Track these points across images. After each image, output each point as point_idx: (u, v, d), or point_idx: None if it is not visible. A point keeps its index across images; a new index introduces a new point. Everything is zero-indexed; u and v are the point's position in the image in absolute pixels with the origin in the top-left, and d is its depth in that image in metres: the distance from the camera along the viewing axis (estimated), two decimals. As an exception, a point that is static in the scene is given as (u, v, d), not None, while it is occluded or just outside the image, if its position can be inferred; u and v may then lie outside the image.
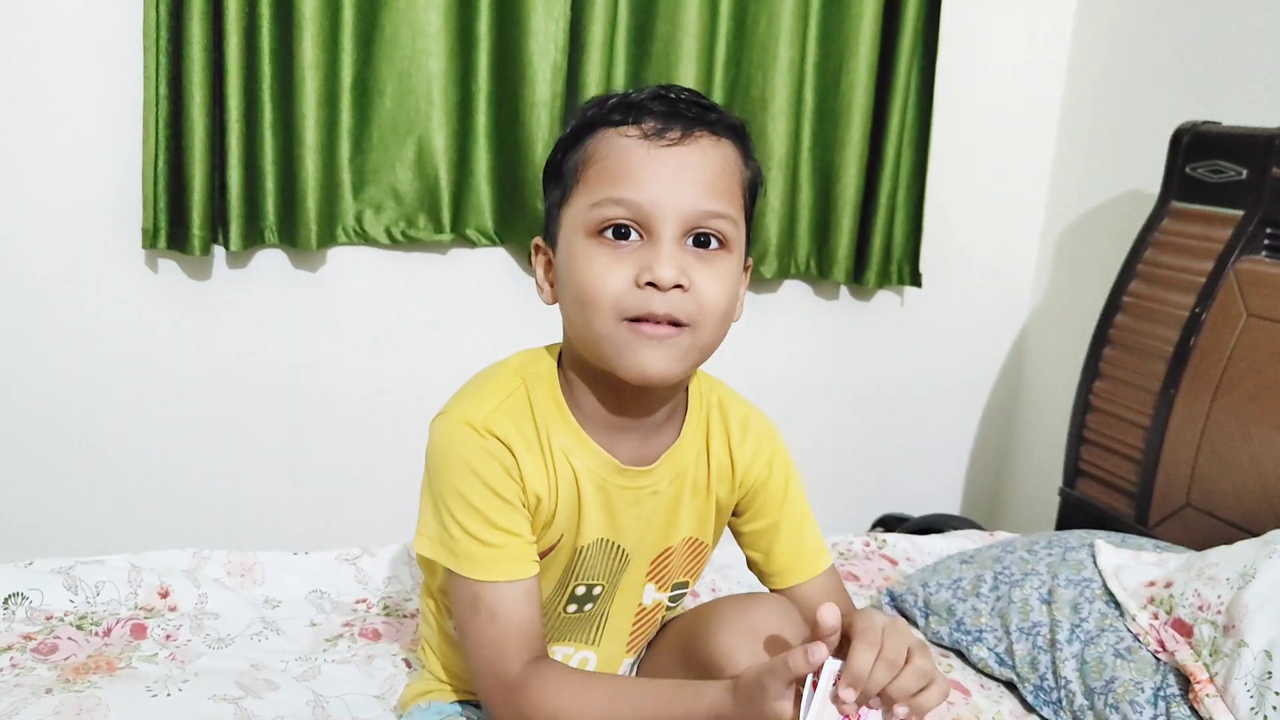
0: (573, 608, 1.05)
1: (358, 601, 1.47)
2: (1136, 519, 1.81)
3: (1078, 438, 1.97)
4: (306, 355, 2.05)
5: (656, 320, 0.88)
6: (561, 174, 0.95)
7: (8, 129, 1.80)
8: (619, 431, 1.00)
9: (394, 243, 2.02)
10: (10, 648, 1.26)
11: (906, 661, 0.80)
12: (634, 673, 1.13)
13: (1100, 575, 1.42)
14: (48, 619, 1.33)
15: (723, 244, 0.92)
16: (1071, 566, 1.45)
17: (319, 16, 1.86)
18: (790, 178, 2.19)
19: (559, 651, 1.09)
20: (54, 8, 1.79)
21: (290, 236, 1.94)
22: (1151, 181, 1.95)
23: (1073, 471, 1.98)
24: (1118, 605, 1.37)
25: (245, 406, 2.02)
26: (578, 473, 0.98)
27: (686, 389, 1.05)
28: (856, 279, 2.29)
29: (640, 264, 0.88)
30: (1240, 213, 1.73)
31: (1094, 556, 1.46)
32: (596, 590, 1.05)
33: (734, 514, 1.11)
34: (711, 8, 2.07)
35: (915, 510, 2.41)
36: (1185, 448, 1.73)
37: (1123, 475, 1.85)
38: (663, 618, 1.13)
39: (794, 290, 2.32)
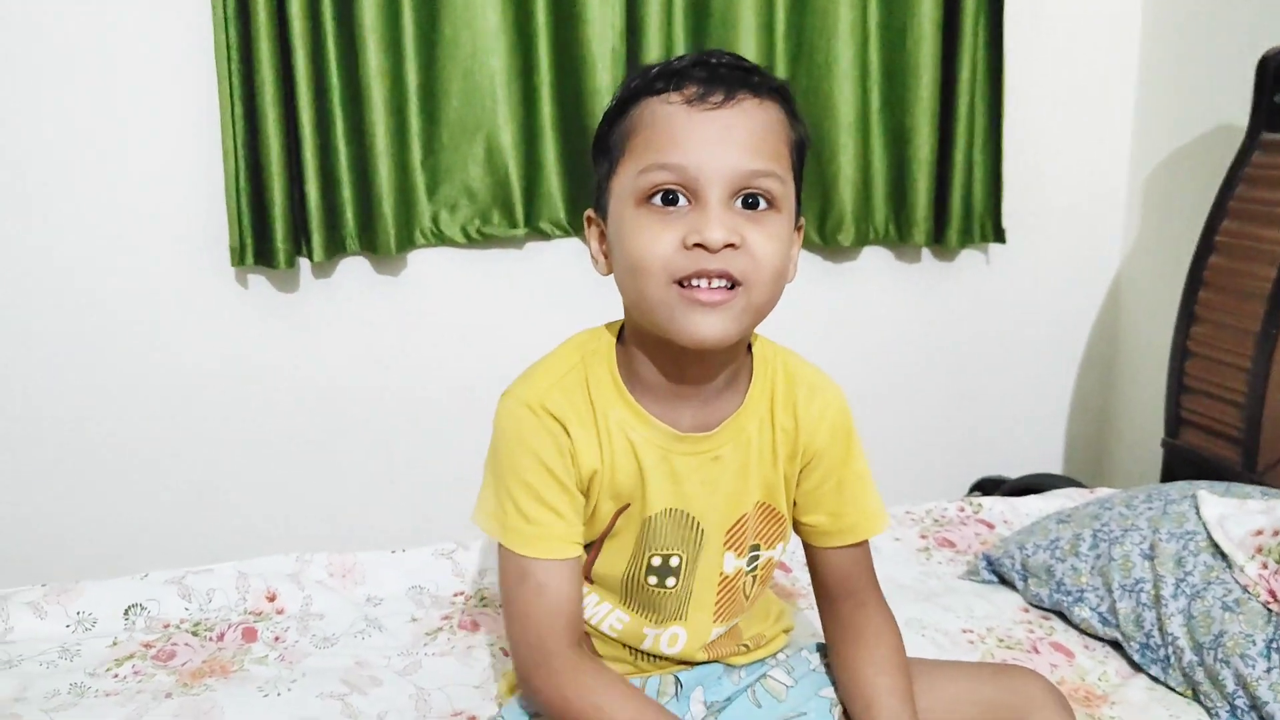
0: (653, 579, 1.06)
1: (455, 594, 1.51)
2: (1244, 466, 1.74)
3: (1178, 385, 1.90)
4: (395, 357, 2.10)
5: (709, 276, 0.89)
6: (608, 146, 0.97)
7: (96, 165, 1.88)
8: (678, 399, 1.01)
9: (470, 241, 2.06)
10: (132, 656, 1.32)
11: None
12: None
13: (1204, 527, 1.38)
14: (165, 627, 1.40)
15: (771, 204, 0.92)
16: (1173, 519, 1.41)
17: (380, 26, 1.90)
18: (862, 142, 2.15)
19: (649, 631, 1.09)
20: (130, 43, 1.86)
21: (370, 243, 1.99)
22: (1240, 114, 1.86)
23: (1175, 421, 1.91)
24: (1224, 557, 1.33)
25: (341, 411, 2.08)
26: (636, 445, 1.00)
27: (750, 353, 1.06)
28: (938, 240, 2.25)
29: (689, 227, 0.89)
30: (1337, 139, 1.65)
31: (1197, 508, 1.41)
32: (674, 561, 1.06)
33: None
34: (768, -24, 2.05)
35: (1014, 472, 2.37)
36: (1292, 389, 1.66)
37: (1227, 421, 1.79)
38: (746, 586, 1.13)
39: (874, 256, 2.29)
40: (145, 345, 1.96)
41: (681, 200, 0.90)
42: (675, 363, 0.98)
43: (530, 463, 0.98)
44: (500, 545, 1.01)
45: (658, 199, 0.90)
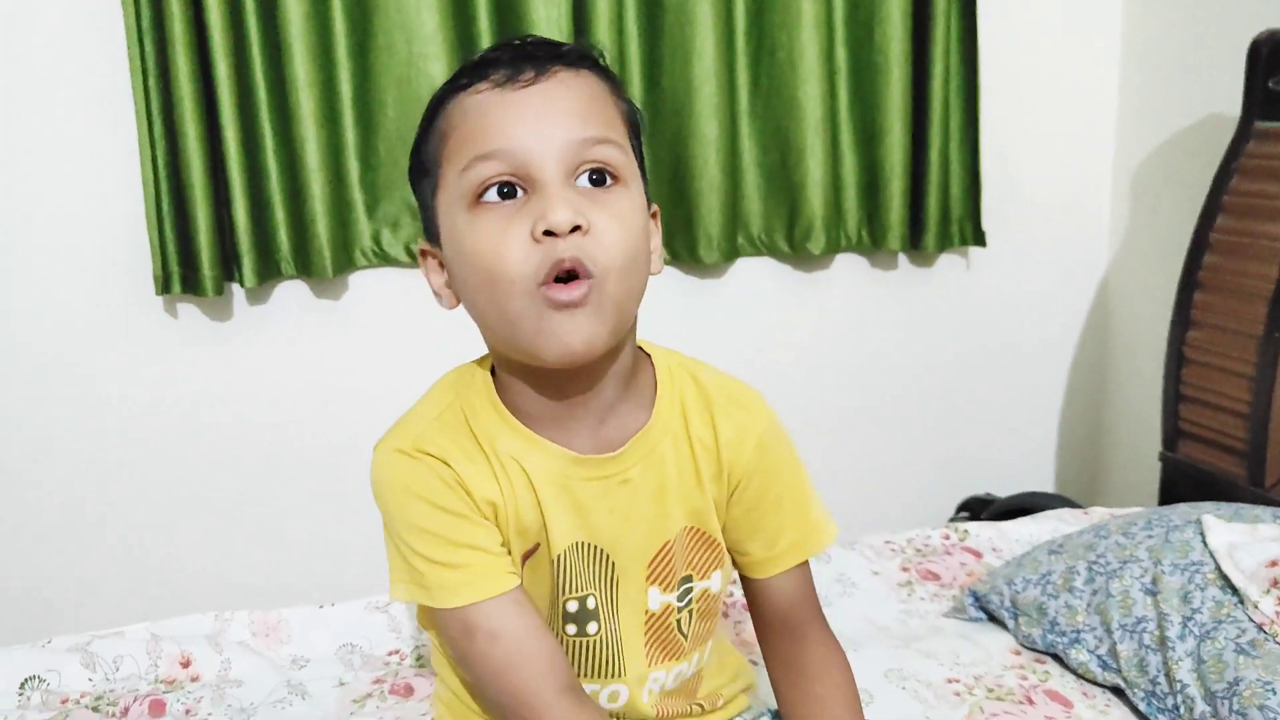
0: (572, 628, 0.95)
1: (390, 653, 1.37)
2: (1250, 480, 1.61)
3: (1175, 395, 1.77)
4: (338, 386, 1.97)
5: (565, 272, 0.78)
6: (424, 164, 0.87)
7: (8, 196, 1.75)
8: (568, 420, 0.90)
9: (415, 260, 1.93)
10: (23, 739, 1.18)
11: None
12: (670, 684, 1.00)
13: (1212, 557, 1.24)
14: (63, 702, 1.25)
15: (616, 178, 0.82)
16: (1177, 549, 1.28)
17: (307, 33, 1.78)
18: (830, 143, 2.03)
19: (587, 690, 0.96)
20: (37, 61, 1.74)
21: (306, 265, 1.86)
22: (1231, 102, 1.74)
23: (1173, 432, 1.79)
24: (1235, 591, 1.19)
25: (277, 448, 1.94)
26: (531, 475, 0.89)
27: (653, 365, 0.94)
28: (914, 245, 2.12)
29: (532, 217, 0.78)
30: (1337, 125, 1.53)
31: (1202, 535, 1.28)
32: (591, 603, 0.94)
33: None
34: (724, -31, 1.92)
35: (1003, 490, 2.23)
36: (1299, 396, 1.54)
37: (1229, 432, 1.66)
38: (681, 623, 0.99)
39: (846, 264, 2.16)
40: (62, 382, 1.82)
41: (519, 193, 0.80)
42: (553, 382, 0.87)
43: (421, 509, 0.87)
44: (435, 611, 0.88)
45: (492, 194, 0.80)
